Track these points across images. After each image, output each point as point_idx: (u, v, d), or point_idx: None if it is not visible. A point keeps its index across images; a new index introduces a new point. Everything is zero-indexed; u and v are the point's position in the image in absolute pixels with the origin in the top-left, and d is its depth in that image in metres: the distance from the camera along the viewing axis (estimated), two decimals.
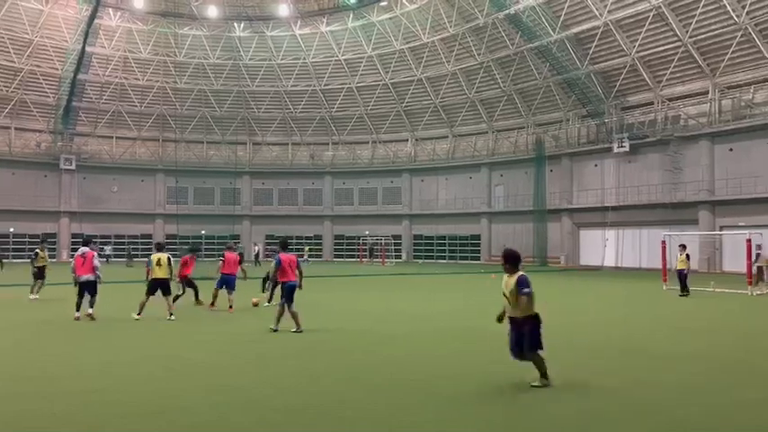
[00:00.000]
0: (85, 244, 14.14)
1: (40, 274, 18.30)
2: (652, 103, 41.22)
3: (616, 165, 42.53)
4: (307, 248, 50.65)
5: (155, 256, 13.82)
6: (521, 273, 7.35)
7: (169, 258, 13.86)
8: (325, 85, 54.89)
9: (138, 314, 13.30)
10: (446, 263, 50.35)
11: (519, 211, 47.71)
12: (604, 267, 41.28)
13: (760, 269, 21.34)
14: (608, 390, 7.30)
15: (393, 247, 51.80)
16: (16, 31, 47.07)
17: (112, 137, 55.22)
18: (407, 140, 55.88)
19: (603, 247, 42.75)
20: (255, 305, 15.90)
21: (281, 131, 58.47)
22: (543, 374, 7.25)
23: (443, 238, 53.42)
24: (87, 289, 13.43)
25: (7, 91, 49.08)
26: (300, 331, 11.37)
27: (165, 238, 53.11)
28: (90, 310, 13.31)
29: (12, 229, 48.86)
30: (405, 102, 53.94)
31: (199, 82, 54.67)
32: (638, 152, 40.88)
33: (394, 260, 49.69)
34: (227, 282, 15.45)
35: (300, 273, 11.92)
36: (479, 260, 50.13)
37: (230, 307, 14.97)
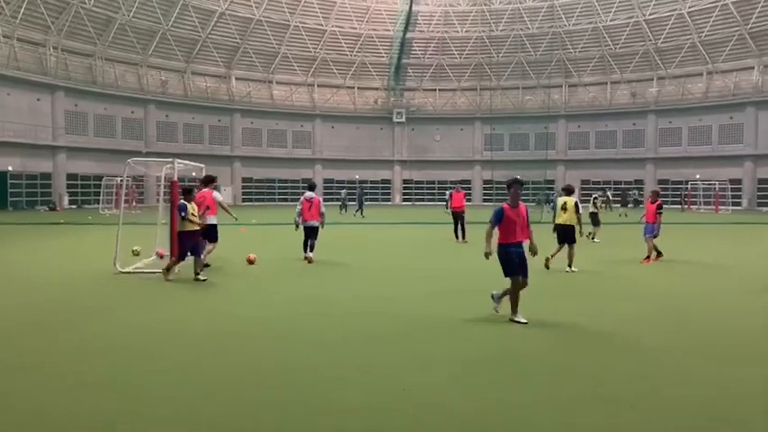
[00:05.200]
0: (311, 189, 13.77)
1: (595, 220, 19.06)
2: None
3: None
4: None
5: (560, 200, 12.51)
6: None
7: (577, 204, 12.27)
8: (649, 14, 49.95)
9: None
10: None
11: None
12: None
13: None
14: None
15: (730, 193, 45.54)
16: (357, 0, 53.53)
17: (435, 89, 59.37)
18: (753, 68, 47.74)
19: None
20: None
21: (598, 70, 55.45)
22: None
23: None
24: (311, 234, 13.42)
25: (351, 55, 56.47)
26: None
27: (483, 184, 56.49)
28: (310, 254, 13.30)
29: (357, 177, 56.84)
30: (750, 22, 45.96)
31: (514, 27, 54.83)
32: None
33: (731, 207, 43.72)
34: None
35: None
36: None
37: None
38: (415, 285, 10.37)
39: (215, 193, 12.41)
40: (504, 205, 7.74)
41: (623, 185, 52.18)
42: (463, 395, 4.93)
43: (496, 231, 7.76)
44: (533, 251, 7.84)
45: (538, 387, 5.14)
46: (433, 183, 58.20)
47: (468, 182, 56.11)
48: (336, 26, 54.54)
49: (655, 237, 13.91)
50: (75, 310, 8.25)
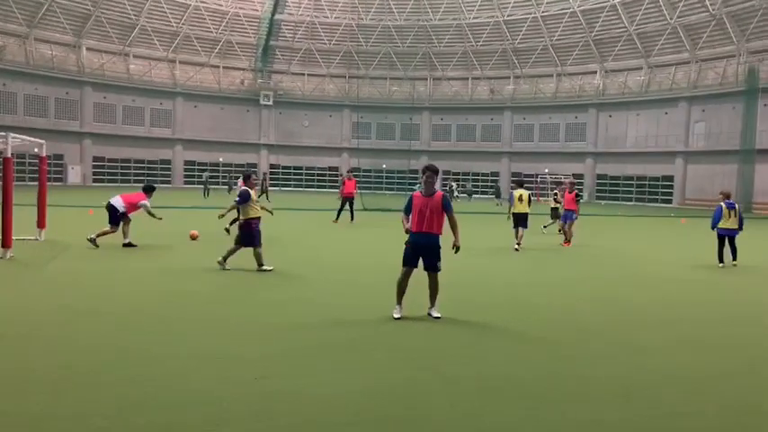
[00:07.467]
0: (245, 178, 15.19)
1: (555, 214, 19.11)
2: None
3: None
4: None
5: (517, 192, 14.84)
6: None
7: (530, 196, 14.96)
8: (508, 15, 52.93)
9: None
10: (632, 205, 47.37)
11: (721, 151, 43.24)
12: None
13: None
14: None
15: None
16: None
17: (304, 74, 58.70)
18: (596, 73, 52.37)
19: None
20: None
21: (461, 66, 57.88)
22: None
23: (631, 178, 50.16)
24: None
25: (216, 32, 54.23)
26: None
27: (350, 171, 56.90)
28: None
29: (221, 159, 54.89)
30: (594, 31, 50.30)
31: (383, 17, 55.60)
32: None
33: None
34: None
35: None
36: (671, 203, 46.48)
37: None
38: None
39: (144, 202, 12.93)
40: (415, 193, 7.36)
41: (481, 177, 55.18)
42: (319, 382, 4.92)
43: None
44: (455, 247, 7.17)
45: (374, 371, 5.26)
46: (300, 168, 57.75)
47: (336, 169, 56.35)
48: (201, 2, 52.06)
49: (573, 221, 15.60)
50: None
